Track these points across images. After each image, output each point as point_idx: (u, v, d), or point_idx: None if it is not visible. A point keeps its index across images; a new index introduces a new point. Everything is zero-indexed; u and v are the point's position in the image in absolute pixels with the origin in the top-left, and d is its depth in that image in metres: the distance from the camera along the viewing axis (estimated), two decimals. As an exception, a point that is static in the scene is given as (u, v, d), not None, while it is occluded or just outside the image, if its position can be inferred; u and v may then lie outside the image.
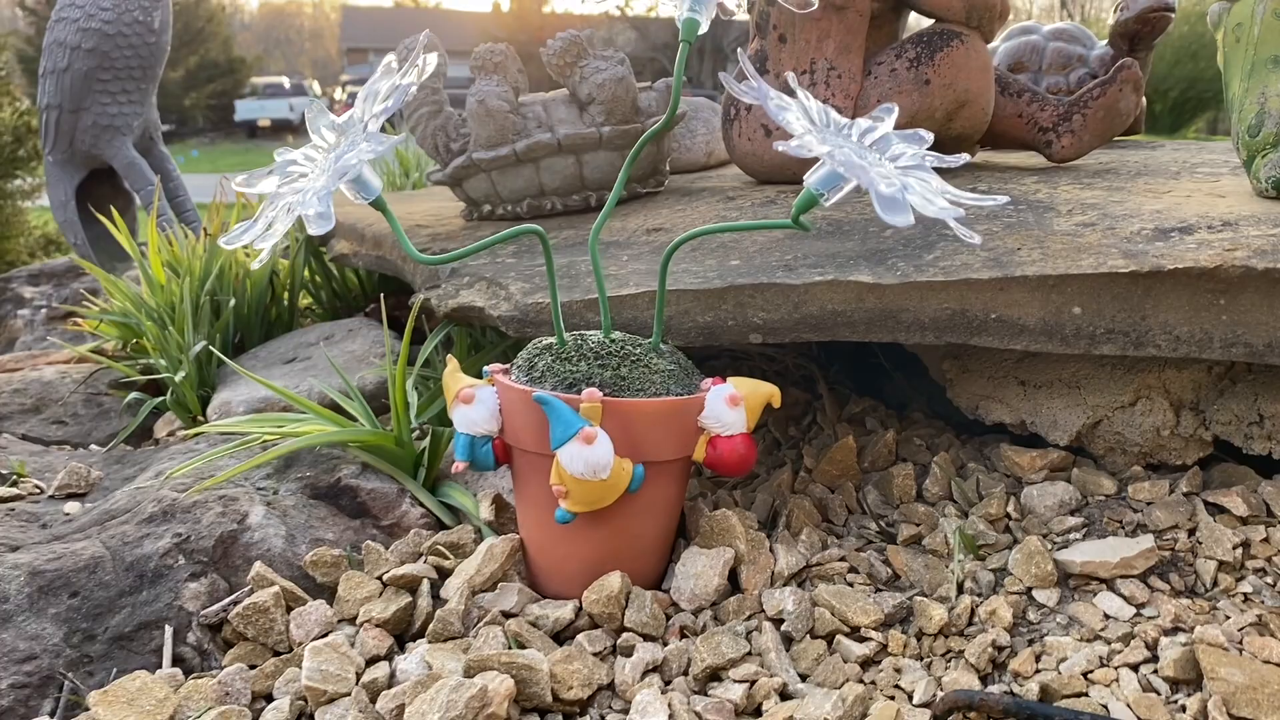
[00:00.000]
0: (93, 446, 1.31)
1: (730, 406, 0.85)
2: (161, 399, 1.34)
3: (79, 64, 1.82)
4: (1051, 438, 0.96)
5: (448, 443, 1.05)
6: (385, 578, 0.88)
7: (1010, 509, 0.91)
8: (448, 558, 0.91)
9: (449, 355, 0.90)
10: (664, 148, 1.37)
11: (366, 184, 0.77)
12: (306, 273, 1.70)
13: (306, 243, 1.62)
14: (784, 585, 0.87)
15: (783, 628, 0.81)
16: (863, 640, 0.79)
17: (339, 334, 1.45)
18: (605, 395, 0.81)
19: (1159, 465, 0.94)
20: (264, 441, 1.06)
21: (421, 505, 1.01)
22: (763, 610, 0.84)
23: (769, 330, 0.91)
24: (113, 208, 1.71)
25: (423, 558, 0.92)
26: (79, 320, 1.60)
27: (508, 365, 0.90)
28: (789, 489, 1.02)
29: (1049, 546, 0.86)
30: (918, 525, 0.93)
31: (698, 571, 0.86)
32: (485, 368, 0.89)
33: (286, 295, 1.62)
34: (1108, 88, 1.25)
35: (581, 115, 1.30)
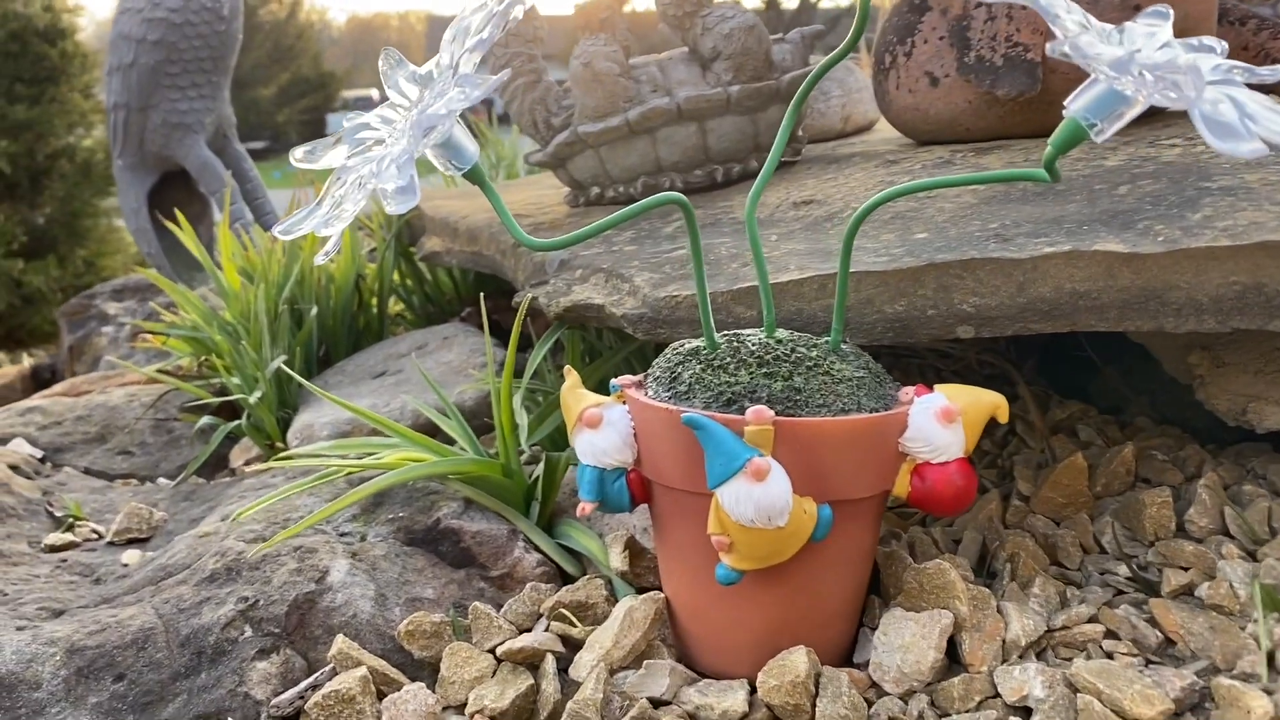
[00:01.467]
0: (160, 480, 1.15)
1: (944, 423, 0.64)
2: (237, 423, 1.18)
3: (145, 58, 1.68)
4: (1360, 450, 0.72)
5: (565, 470, 0.86)
6: (499, 651, 0.69)
7: (1322, 549, 0.68)
8: (574, 624, 0.71)
9: (566, 367, 0.71)
10: (803, 111, 1.16)
11: (459, 148, 0.59)
12: (396, 276, 1.53)
13: (396, 242, 1.45)
14: (1020, 658, 0.65)
15: (1032, 722, 0.60)
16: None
17: (432, 342, 1.27)
18: (777, 414, 0.61)
19: None
20: (348, 473, 0.89)
21: (537, 550, 0.82)
22: (998, 695, 0.63)
23: (983, 320, 0.70)
24: (178, 211, 1.56)
25: (543, 620, 0.73)
26: (147, 336, 1.46)
27: (641, 377, 0.71)
28: (1000, 522, 0.80)
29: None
30: (1186, 570, 0.71)
31: (906, 643, 0.65)
32: (613, 381, 0.70)
33: (375, 301, 1.45)
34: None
35: (705, 75, 1.10)
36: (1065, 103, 0.51)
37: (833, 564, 0.66)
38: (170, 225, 1.46)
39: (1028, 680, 0.62)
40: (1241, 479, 0.79)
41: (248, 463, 1.15)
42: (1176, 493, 0.79)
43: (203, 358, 1.30)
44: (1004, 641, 0.66)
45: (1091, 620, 0.68)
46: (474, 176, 0.60)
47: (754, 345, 0.66)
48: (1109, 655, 0.65)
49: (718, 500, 0.61)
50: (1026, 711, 0.62)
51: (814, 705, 0.62)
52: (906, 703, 0.64)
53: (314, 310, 1.28)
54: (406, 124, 0.57)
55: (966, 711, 0.62)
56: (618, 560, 0.77)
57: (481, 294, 1.09)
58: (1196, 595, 0.70)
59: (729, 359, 0.66)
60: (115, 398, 1.30)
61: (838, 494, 0.63)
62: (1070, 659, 0.66)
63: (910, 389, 0.67)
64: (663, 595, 0.71)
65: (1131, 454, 0.81)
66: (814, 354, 0.66)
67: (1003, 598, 0.70)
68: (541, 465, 0.85)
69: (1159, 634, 0.66)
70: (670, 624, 0.71)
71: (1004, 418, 0.66)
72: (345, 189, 0.58)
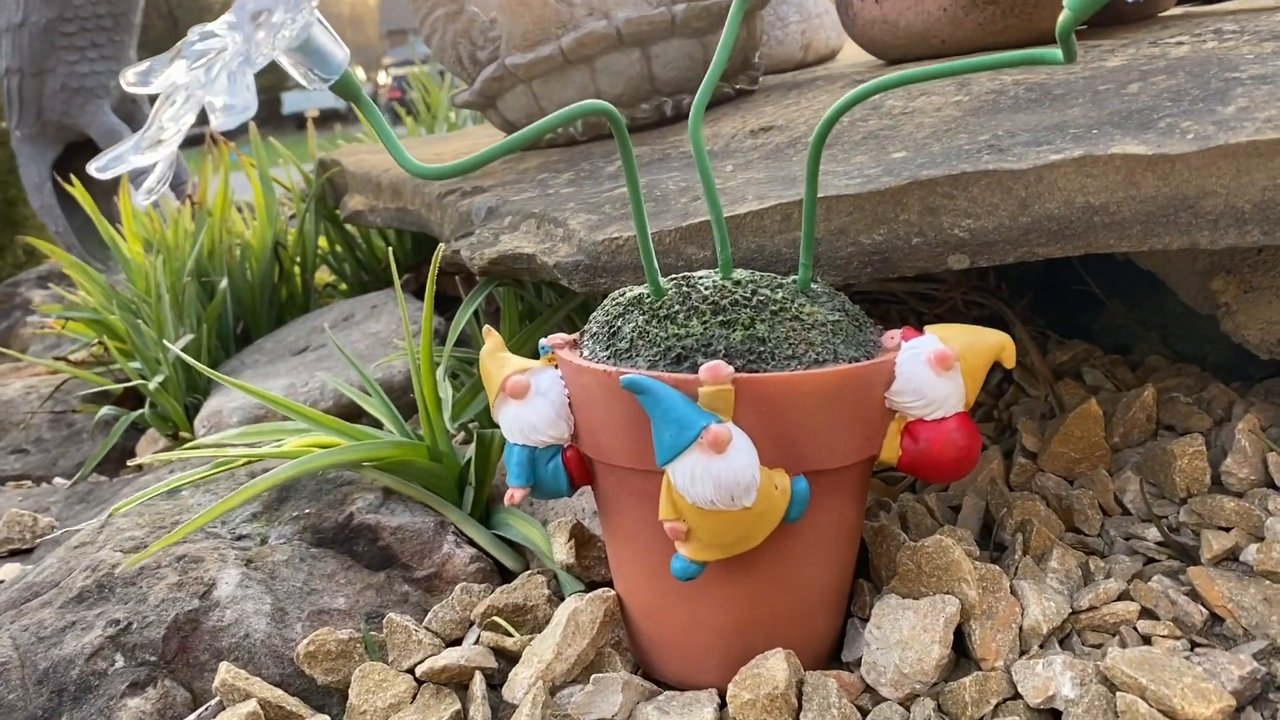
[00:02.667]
0: (57, 480, 1.03)
1: (939, 371, 0.53)
2: (140, 412, 1.05)
3: (36, 15, 1.52)
4: None
5: (502, 449, 0.74)
6: (419, 671, 0.58)
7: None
8: (510, 633, 0.60)
9: (486, 328, 0.59)
10: (755, 31, 1.04)
11: (322, 53, 0.46)
12: (323, 243, 1.40)
13: (316, 204, 1.31)
14: (1042, 648, 0.54)
15: (1063, 730, 0.49)
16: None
17: (359, 313, 1.14)
18: (737, 370, 0.50)
19: None
20: (248, 464, 0.77)
21: (470, 544, 0.71)
22: (1018, 695, 0.52)
23: (979, 247, 0.58)
24: (74, 178, 1.40)
25: (473, 629, 0.62)
26: (49, 322, 1.32)
27: (577, 335, 0.59)
28: (1005, 484, 0.69)
29: None
30: (1227, 531, 0.60)
31: (905, 636, 0.54)
32: (543, 341, 0.58)
33: (299, 271, 1.32)
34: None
35: (646, -6, 0.97)
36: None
37: (812, 547, 0.55)
38: (69, 189, 1.31)
39: (1054, 676, 0.51)
40: (1275, 421, 0.68)
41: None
42: (1207, 440, 0.68)
43: (95, 340, 1.17)
44: (1021, 629, 0.55)
45: (1123, 598, 0.57)
46: (344, 89, 0.47)
47: (707, 289, 0.55)
48: (1146, 640, 0.55)
49: (669, 479, 0.49)
50: (1054, 715, 0.51)
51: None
52: (909, 709, 0.53)
53: (225, 283, 1.14)
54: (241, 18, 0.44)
55: (981, 719, 0.51)
56: (563, 552, 0.65)
57: (422, 261, 0.96)
58: (1242, 560, 0.59)
59: (677, 307, 0.54)
60: (11, 391, 1.16)
61: (814, 463, 0.52)
62: (1100, 646, 0.55)
63: (896, 332, 0.56)
64: (614, 593, 0.59)
65: (1152, 397, 0.70)
66: (779, 296, 0.54)
67: (1015, 575, 0.59)
68: (474, 445, 0.73)
69: (1203, 610, 0.56)
70: (625, 625, 0.60)
71: (1010, 361, 0.55)
72: (178, 109, 0.46)
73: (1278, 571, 0.56)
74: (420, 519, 0.72)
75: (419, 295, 1.24)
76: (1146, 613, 0.56)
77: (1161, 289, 0.83)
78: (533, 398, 0.55)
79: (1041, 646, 0.55)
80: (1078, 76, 0.71)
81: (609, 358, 0.54)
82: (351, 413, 0.94)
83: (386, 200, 1.10)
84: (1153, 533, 0.62)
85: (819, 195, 0.61)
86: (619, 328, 0.55)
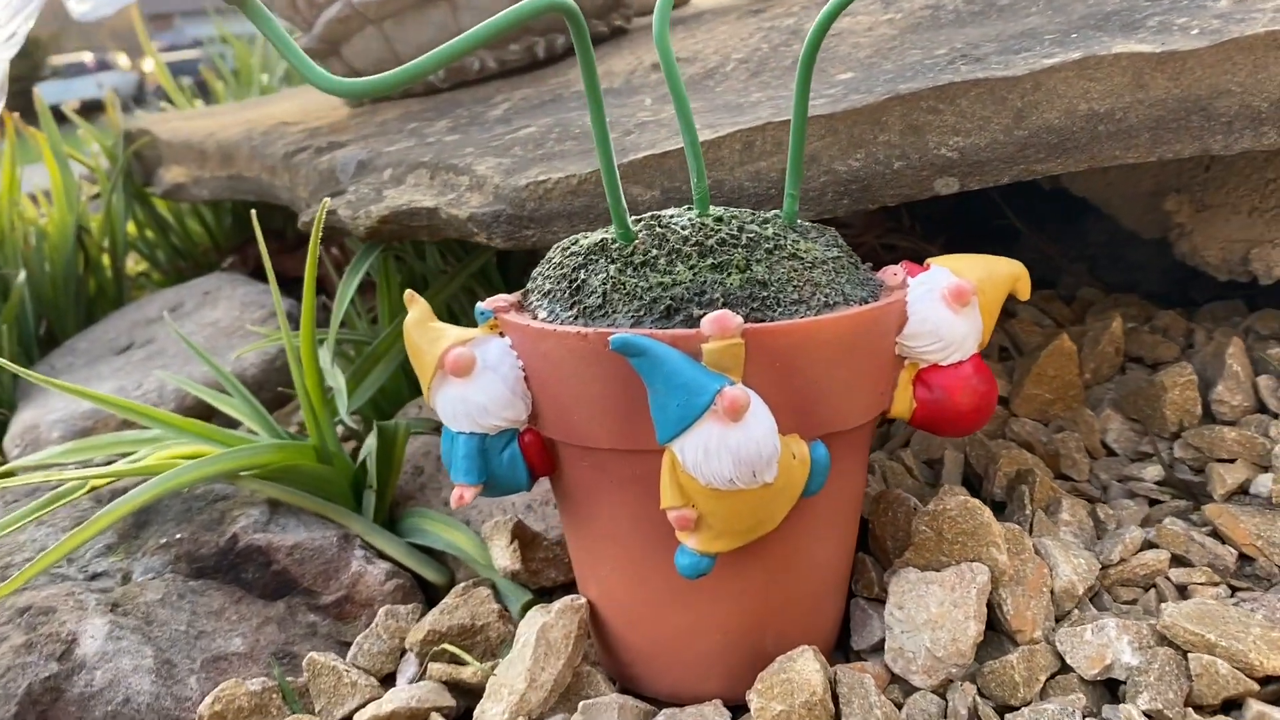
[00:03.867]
0: None
1: (956, 308, 0.46)
2: (-69, 436, 0.87)
3: None
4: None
5: (405, 441, 0.63)
6: (357, 720, 0.47)
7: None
8: (465, 660, 0.50)
9: (408, 293, 0.48)
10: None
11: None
12: (132, 227, 1.23)
13: (124, 182, 1.14)
14: (1078, 610, 0.49)
15: (1133, 702, 0.43)
16: (1314, 709, 0.42)
17: (190, 300, 0.99)
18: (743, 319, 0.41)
19: None
20: (93, 487, 0.63)
21: (383, 557, 0.60)
22: (1069, 668, 0.46)
23: (970, 168, 0.52)
24: None
25: (409, 658, 0.51)
26: None
27: (517, 296, 0.49)
28: (983, 432, 0.63)
29: None
30: (1232, 462, 0.56)
31: (933, 615, 0.47)
32: (481, 306, 0.48)
33: (108, 260, 1.14)
34: None
35: (509, -78, 0.86)
36: None
37: (825, 523, 0.47)
38: None
39: (1108, 643, 0.45)
40: (1250, 344, 0.65)
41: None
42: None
43: None
44: (1053, 593, 0.49)
45: (1147, 546, 0.52)
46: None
47: (685, 229, 0.46)
48: (1181, 590, 0.50)
49: (674, 458, 0.40)
50: (1112, 686, 0.45)
51: (840, 731, 0.43)
52: (946, 698, 0.46)
53: (22, 276, 0.97)
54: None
55: (1033, 701, 0.45)
56: (505, 557, 0.55)
57: (248, 240, 0.83)
58: (1253, 493, 0.55)
59: (655, 251, 0.45)
60: None
61: (831, 424, 0.44)
62: (1134, 602, 0.50)
63: (896, 268, 0.48)
64: (583, 600, 0.50)
65: (1120, 329, 0.66)
66: (770, 232, 0.46)
67: (1031, 533, 0.53)
68: (372, 440, 0.62)
69: (1231, 551, 0.51)
70: (595, 637, 0.51)
71: (1025, 292, 0.49)
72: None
73: (1300, 501, 0.52)
74: (319, 534, 0.60)
75: (255, 277, 1.10)
76: (1179, 560, 0.51)
77: (1083, 218, 0.79)
78: (480, 374, 0.45)
79: (1077, 609, 0.49)
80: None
81: (576, 318, 0.44)
82: (201, 415, 0.80)
83: (215, 168, 0.96)
84: (1150, 472, 0.58)
85: (773, 120, 0.53)
86: (584, 281, 0.45)
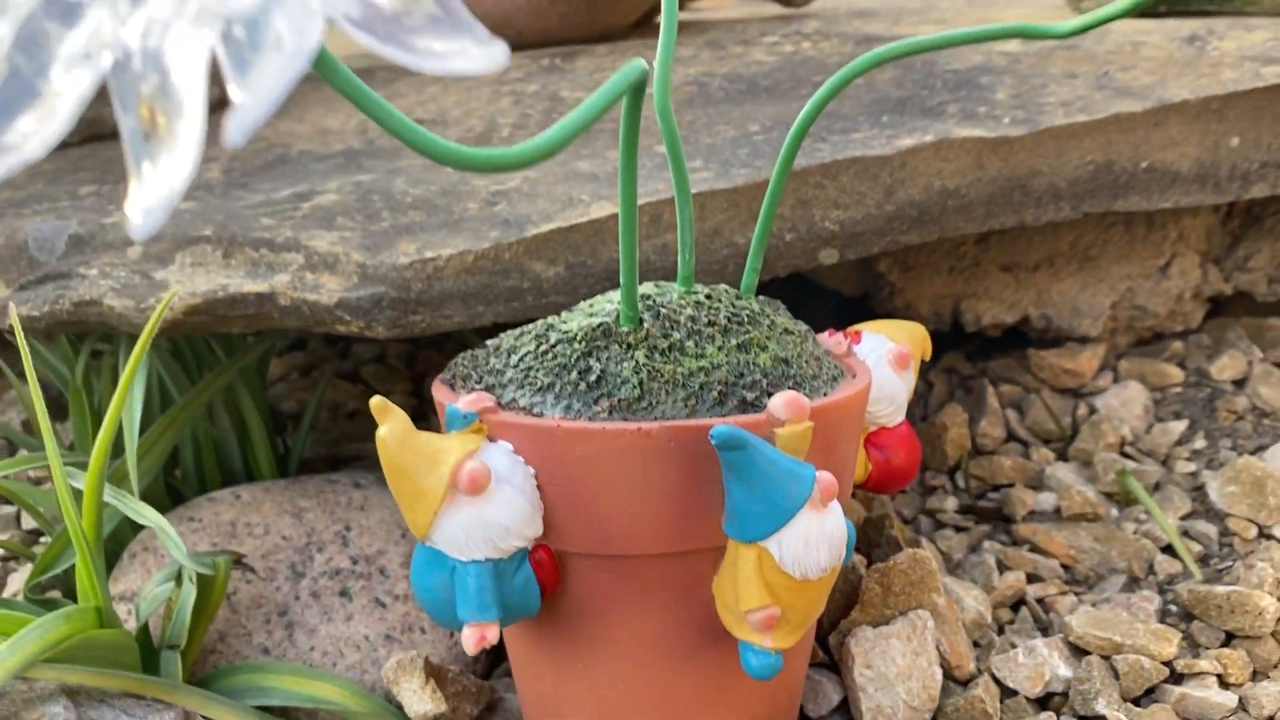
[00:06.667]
0: None
1: (899, 371, 0.49)
2: None
3: None
4: (1079, 330, 0.73)
5: (224, 584, 0.51)
6: None
7: (1124, 433, 0.67)
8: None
9: (376, 399, 0.39)
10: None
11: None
12: None
13: None
14: (986, 638, 0.54)
15: (1088, 709, 0.48)
16: (1227, 686, 0.50)
17: None
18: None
19: (1162, 335, 0.77)
20: None
21: (225, 732, 0.47)
22: (1014, 692, 0.50)
23: (849, 239, 0.55)
24: None
25: None
26: None
27: (483, 394, 0.43)
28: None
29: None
30: (1012, 487, 0.65)
31: (901, 668, 0.49)
32: (459, 407, 0.40)
33: None
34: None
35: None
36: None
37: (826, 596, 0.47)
38: None
39: (1043, 661, 0.50)
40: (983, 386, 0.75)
41: None
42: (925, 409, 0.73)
43: None
44: (965, 626, 0.54)
45: (1003, 568, 0.59)
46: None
47: (684, 309, 0.43)
48: (1042, 603, 0.57)
49: (762, 555, 0.38)
50: (1045, 701, 0.50)
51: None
52: (924, 747, 0.48)
53: None
54: None
55: (1002, 728, 0.49)
56: (424, 700, 0.47)
57: None
58: (1038, 510, 0.64)
59: (675, 334, 0.42)
60: None
61: (846, 493, 0.44)
62: (1011, 623, 0.56)
63: (838, 336, 0.50)
64: (572, 730, 0.44)
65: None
66: (756, 308, 0.45)
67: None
68: (186, 588, 0.49)
69: (1052, 562, 0.60)
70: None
71: (929, 353, 0.53)
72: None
73: (1085, 513, 0.62)
74: (108, 714, 0.46)
75: None
76: (1034, 578, 0.58)
77: (815, 299, 0.86)
78: (499, 488, 0.39)
79: (984, 637, 0.54)
80: (747, 74, 0.70)
81: (611, 413, 0.40)
82: None
83: None
84: (950, 503, 0.65)
85: (666, 197, 0.52)
86: (603, 371, 0.40)
